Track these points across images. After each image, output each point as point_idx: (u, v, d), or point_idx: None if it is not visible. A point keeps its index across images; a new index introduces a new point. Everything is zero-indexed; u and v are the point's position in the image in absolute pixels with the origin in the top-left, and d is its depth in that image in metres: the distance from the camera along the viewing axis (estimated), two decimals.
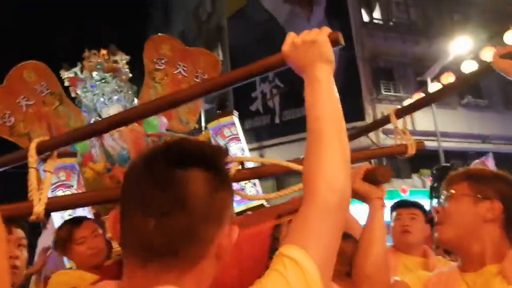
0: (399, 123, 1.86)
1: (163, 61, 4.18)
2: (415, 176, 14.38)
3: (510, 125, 16.18)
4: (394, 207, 3.02)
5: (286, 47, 1.09)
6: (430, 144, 12.84)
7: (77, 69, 4.06)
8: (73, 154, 3.58)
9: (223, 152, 0.89)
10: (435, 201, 4.42)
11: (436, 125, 12.56)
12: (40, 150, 1.31)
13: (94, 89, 3.95)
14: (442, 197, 1.56)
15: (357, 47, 15.30)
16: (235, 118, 3.72)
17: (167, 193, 0.77)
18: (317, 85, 1.01)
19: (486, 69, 1.75)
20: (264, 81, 16.91)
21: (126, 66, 4.13)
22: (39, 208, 1.23)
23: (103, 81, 3.94)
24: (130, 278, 0.80)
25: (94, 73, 3.99)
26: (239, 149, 3.67)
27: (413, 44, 16.55)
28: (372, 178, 1.48)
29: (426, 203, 5.78)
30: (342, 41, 1.09)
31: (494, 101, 17.06)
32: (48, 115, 4.12)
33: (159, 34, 4.28)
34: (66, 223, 2.60)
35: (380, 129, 14.09)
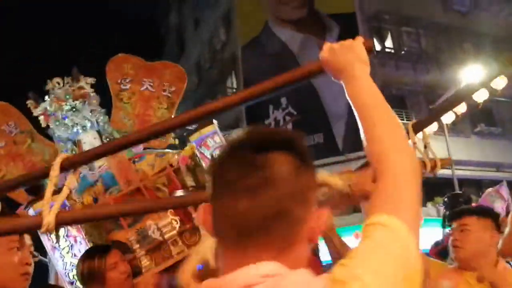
0: (417, 138, 1.79)
1: (127, 81, 4.03)
2: (429, 205, 14.23)
3: None
4: (447, 219, 2.93)
5: (324, 53, 1.17)
6: (444, 172, 12.74)
7: (46, 104, 3.87)
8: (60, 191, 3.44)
9: (302, 136, 0.92)
10: (447, 229, 4.38)
11: (450, 153, 12.47)
12: (65, 166, 1.32)
13: (66, 120, 3.82)
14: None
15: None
16: (216, 127, 3.70)
17: (255, 174, 0.81)
18: (357, 82, 1.08)
19: None
20: (277, 108, 17.05)
21: (92, 89, 3.98)
22: (49, 219, 1.23)
23: (73, 110, 3.81)
24: (226, 264, 0.82)
25: (64, 104, 3.83)
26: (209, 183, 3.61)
27: (424, 73, 16.62)
28: None
29: (439, 232, 5.72)
30: (375, 49, 1.11)
31: (508, 128, 16.96)
32: (21, 154, 3.94)
33: (119, 54, 4.10)
34: (92, 253, 2.55)
35: None
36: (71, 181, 1.36)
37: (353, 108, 1.07)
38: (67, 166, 1.34)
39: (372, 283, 0.74)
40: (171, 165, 3.47)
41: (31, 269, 1.74)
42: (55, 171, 1.29)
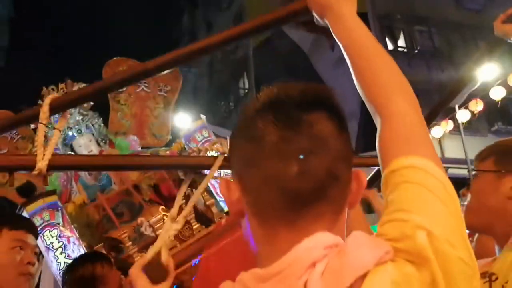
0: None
1: None
2: None
3: None
4: None
5: None
6: (460, 172, 12.58)
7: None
8: (53, 192, 3.53)
9: (337, 94, 0.81)
10: None
11: (466, 152, 12.31)
12: (53, 107, 1.30)
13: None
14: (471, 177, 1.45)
15: None
16: (204, 121, 3.77)
17: (304, 134, 0.71)
18: (346, 21, 0.99)
19: None
20: None
21: None
22: (42, 164, 1.23)
23: None
24: (271, 244, 0.71)
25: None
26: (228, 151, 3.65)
27: (438, 71, 16.45)
28: None
29: None
30: None
31: None
32: None
33: (114, 58, 4.21)
34: (78, 264, 2.35)
35: None
36: (61, 123, 1.35)
37: (342, 50, 0.97)
38: (56, 107, 1.31)
39: (435, 228, 0.67)
40: None
41: (33, 269, 1.72)
42: (44, 113, 1.27)
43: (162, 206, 3.72)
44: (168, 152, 3.89)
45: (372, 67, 0.90)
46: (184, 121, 14.99)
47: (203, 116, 3.92)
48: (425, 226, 0.67)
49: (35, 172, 1.23)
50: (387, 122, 0.84)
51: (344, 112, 0.79)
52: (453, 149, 13.94)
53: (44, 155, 1.23)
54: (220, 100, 22.09)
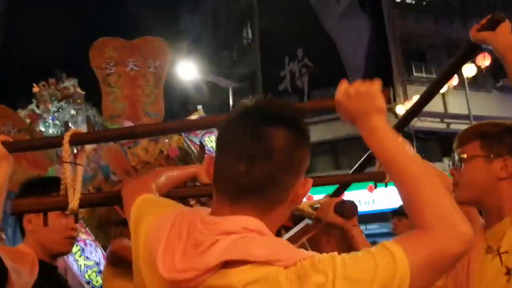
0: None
1: (111, 64, 4.15)
2: (446, 160, 14.15)
3: None
4: None
5: (340, 96, 1.15)
6: (463, 127, 12.55)
7: (33, 106, 4.12)
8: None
9: (303, 114, 1.05)
10: None
11: (470, 108, 12.27)
12: (73, 141, 1.38)
13: (54, 121, 4.07)
14: (456, 157, 1.58)
15: (388, 28, 15.02)
16: (201, 112, 3.84)
17: (256, 143, 0.94)
18: (380, 132, 1.07)
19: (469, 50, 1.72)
20: (293, 59, 16.82)
21: (78, 88, 4.17)
22: (74, 204, 1.36)
23: (60, 110, 4.04)
24: (218, 210, 0.98)
25: (50, 106, 4.08)
26: (215, 140, 3.70)
27: (446, 25, 16.11)
28: (340, 212, 1.64)
29: None
30: (390, 99, 1.09)
31: None
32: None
33: (100, 38, 4.22)
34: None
35: None
36: (81, 158, 1.42)
37: (383, 165, 1.09)
38: (75, 141, 1.39)
39: (336, 283, 0.84)
40: (161, 151, 3.62)
41: (76, 233, 1.92)
42: (66, 151, 1.36)
43: None
44: (167, 140, 3.88)
45: (405, 177, 1.01)
46: (187, 71, 14.91)
47: (199, 107, 3.90)
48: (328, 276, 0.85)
49: (68, 212, 1.38)
50: (424, 234, 0.92)
51: (306, 132, 1.00)
52: (456, 105, 13.86)
53: (74, 195, 1.36)
54: (223, 49, 21.79)
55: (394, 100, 14.09)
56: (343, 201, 1.67)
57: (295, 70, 16.85)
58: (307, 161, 0.99)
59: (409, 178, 0.99)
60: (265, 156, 0.93)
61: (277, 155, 0.93)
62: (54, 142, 1.50)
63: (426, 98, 1.83)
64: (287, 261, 0.87)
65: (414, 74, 15.30)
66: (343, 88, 1.15)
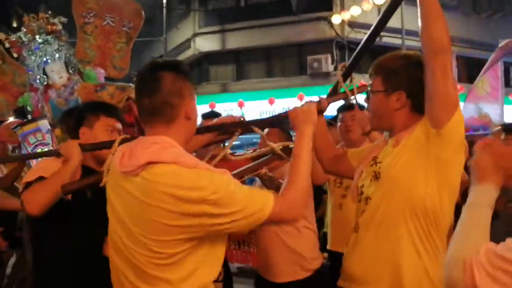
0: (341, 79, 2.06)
1: (91, 14, 4.51)
2: None
3: (475, 28, 16.19)
4: (339, 111, 3.54)
5: (292, 113, 1.86)
6: (395, 41, 12.76)
7: (21, 33, 4.43)
8: (44, 117, 4.18)
9: (184, 63, 1.66)
10: None
11: (403, 23, 12.39)
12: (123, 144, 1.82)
13: (37, 51, 4.36)
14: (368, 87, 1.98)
15: None
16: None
17: (151, 83, 1.52)
18: (304, 140, 1.75)
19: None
20: None
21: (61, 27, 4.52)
22: (106, 179, 1.71)
23: (46, 43, 4.35)
24: (146, 133, 1.56)
25: (37, 37, 4.38)
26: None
27: None
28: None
29: None
30: (325, 110, 1.94)
31: (462, 2, 16.85)
32: None
33: None
34: None
35: (346, 20, 13.83)
36: (113, 149, 1.86)
37: (293, 154, 1.71)
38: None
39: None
40: (129, 98, 3.98)
41: None
42: (114, 147, 1.86)
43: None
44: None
45: (300, 167, 1.66)
46: None
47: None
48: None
49: (102, 184, 1.76)
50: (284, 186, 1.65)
51: (187, 72, 1.58)
52: (392, 19, 13.93)
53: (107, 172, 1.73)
54: None
55: (331, 9, 13.95)
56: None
57: None
58: (189, 89, 1.56)
59: (299, 164, 1.66)
60: (158, 90, 1.50)
61: (166, 87, 1.51)
62: (109, 145, 1.96)
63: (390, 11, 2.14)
64: (188, 164, 1.42)
65: None
66: (296, 110, 1.84)
